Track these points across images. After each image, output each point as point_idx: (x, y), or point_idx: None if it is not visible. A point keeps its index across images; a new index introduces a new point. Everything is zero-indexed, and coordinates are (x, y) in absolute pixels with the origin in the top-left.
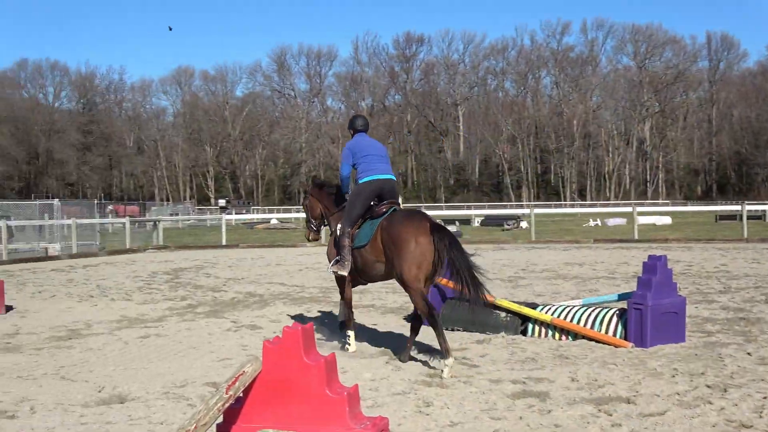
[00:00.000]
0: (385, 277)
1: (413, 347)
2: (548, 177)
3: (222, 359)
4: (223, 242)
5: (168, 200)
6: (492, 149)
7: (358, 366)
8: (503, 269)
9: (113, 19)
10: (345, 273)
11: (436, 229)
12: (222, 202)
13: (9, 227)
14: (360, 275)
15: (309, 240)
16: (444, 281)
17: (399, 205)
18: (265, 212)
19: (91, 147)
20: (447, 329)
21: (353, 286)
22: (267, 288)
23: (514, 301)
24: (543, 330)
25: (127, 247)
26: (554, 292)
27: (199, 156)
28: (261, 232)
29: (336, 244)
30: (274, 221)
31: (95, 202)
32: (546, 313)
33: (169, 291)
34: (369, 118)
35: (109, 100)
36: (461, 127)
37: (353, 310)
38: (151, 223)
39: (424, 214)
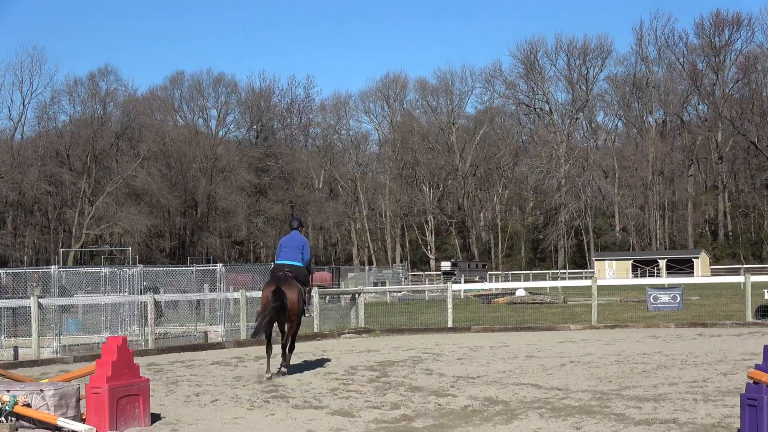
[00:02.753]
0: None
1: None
2: None
3: None
4: (449, 323)
5: (371, 263)
6: None
7: None
8: None
9: (295, 20)
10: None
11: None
12: (446, 264)
13: (157, 303)
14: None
15: None
16: None
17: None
18: (507, 279)
19: (267, 191)
20: None
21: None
22: (514, 392)
23: None
24: None
25: (316, 330)
26: None
27: (414, 200)
28: (503, 308)
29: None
30: (520, 292)
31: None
32: None
33: (374, 395)
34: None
35: (292, 124)
36: None
37: None
38: (349, 296)
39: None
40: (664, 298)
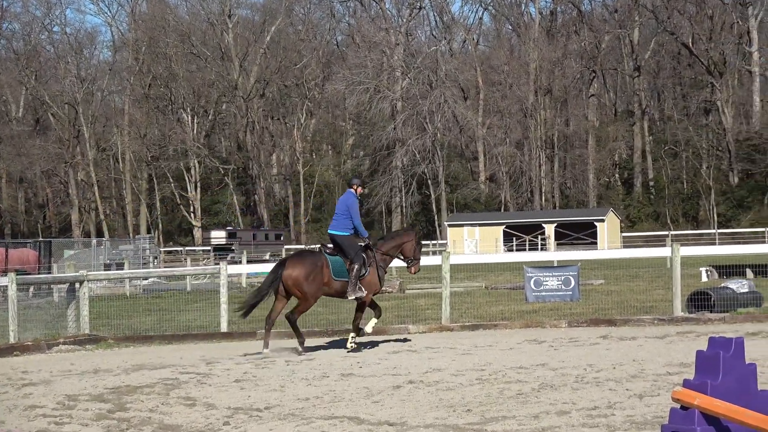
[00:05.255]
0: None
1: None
2: None
3: None
4: (224, 326)
5: (101, 234)
6: None
7: None
8: None
9: None
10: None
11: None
12: (219, 235)
13: None
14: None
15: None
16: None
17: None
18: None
19: None
20: None
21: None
22: (323, 430)
23: None
24: None
25: (12, 341)
26: None
27: (169, 136)
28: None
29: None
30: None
31: None
32: None
33: None
34: None
35: None
36: None
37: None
38: (66, 286)
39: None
40: (552, 282)
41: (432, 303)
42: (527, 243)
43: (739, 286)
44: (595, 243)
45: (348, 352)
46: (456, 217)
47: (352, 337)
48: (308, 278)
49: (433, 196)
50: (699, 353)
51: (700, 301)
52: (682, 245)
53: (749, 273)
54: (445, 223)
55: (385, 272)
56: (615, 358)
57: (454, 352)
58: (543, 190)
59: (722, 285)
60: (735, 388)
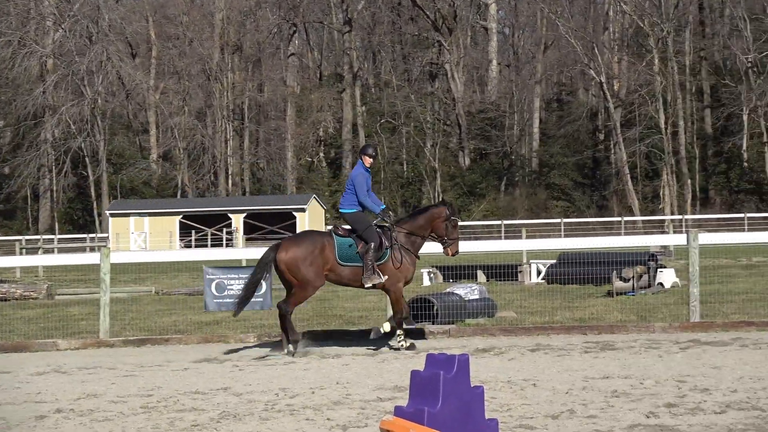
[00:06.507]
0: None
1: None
2: None
3: None
4: None
5: None
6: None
7: None
8: None
9: None
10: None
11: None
12: None
13: None
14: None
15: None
16: None
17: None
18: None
19: None
20: None
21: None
22: None
23: None
24: None
25: None
26: None
27: None
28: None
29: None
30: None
31: None
32: None
33: None
34: None
35: None
36: None
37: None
38: None
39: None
40: (240, 286)
41: (88, 312)
42: (210, 237)
43: (468, 291)
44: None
45: (405, 349)
46: (120, 204)
47: (399, 337)
48: (305, 261)
49: (91, 177)
50: (414, 374)
51: (420, 310)
52: None
53: (481, 276)
54: (107, 212)
55: (417, 257)
56: (315, 380)
57: (115, 373)
58: (230, 172)
59: (448, 290)
60: (458, 416)
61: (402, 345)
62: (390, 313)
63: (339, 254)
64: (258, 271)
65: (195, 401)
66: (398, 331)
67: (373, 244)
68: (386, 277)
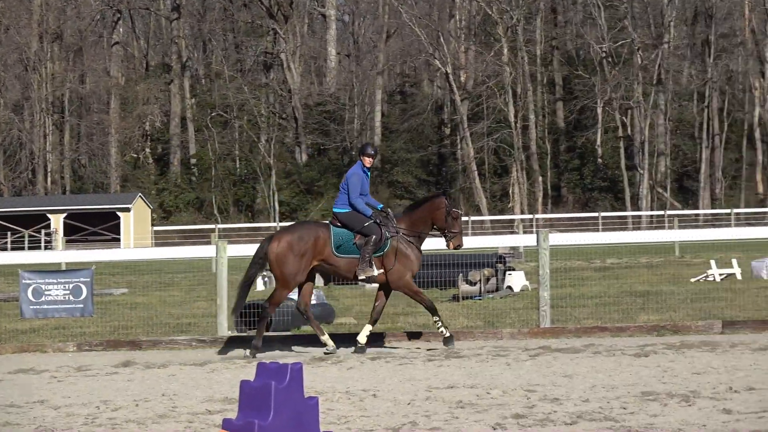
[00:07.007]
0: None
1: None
2: None
3: None
4: None
5: None
6: None
7: None
8: None
9: None
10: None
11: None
12: None
13: None
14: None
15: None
16: None
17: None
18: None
19: None
20: None
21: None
22: None
23: None
24: None
25: None
26: None
27: None
28: None
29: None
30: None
31: None
32: None
33: None
34: None
35: None
36: None
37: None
38: None
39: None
40: (58, 292)
41: None
42: (27, 239)
43: None
44: (118, 239)
45: (446, 346)
46: None
47: (440, 328)
48: (296, 252)
49: None
50: (244, 384)
51: (252, 317)
52: (230, 242)
53: (318, 280)
54: None
55: (420, 252)
56: (139, 391)
57: None
58: (49, 169)
59: None
60: (290, 429)
61: (443, 332)
62: (368, 328)
63: (335, 245)
64: (251, 266)
65: (9, 415)
66: (435, 318)
67: (374, 237)
68: (381, 270)
